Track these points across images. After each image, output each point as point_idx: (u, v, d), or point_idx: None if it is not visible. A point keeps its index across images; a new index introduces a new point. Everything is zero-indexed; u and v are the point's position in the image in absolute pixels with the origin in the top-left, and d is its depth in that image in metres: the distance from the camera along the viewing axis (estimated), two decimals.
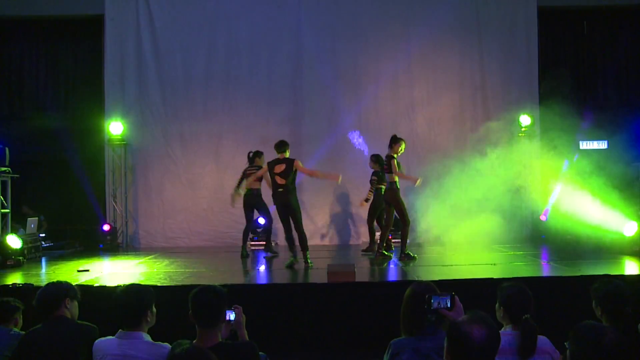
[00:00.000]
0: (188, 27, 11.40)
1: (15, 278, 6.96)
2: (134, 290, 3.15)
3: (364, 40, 11.37)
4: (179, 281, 6.59)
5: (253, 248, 10.48)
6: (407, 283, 3.95)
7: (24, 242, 8.60)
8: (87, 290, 5.38)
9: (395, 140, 8.08)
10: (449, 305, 2.62)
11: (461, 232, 10.54)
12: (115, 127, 10.99)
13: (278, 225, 11.24)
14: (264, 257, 8.92)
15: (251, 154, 9.06)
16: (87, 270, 7.34)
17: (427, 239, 9.42)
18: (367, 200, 9.22)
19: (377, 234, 9.01)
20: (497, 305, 3.23)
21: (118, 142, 11.17)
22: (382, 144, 11.35)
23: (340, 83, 11.33)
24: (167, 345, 3.05)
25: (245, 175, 8.92)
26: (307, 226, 9.23)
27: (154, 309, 3.18)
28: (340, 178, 7.84)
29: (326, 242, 11.24)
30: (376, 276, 7.13)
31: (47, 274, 7.75)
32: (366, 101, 11.41)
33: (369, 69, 11.40)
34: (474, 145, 10.47)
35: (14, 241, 8.23)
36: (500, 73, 11.47)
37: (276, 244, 10.94)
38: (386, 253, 8.31)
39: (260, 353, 3.00)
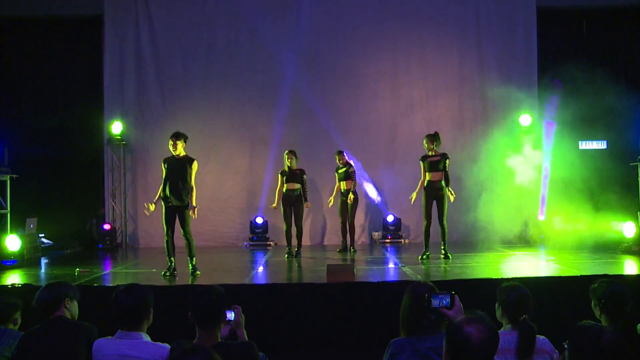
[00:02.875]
0: (187, 27, 11.38)
1: (14, 278, 6.97)
2: (134, 290, 3.15)
3: (363, 40, 11.36)
4: (179, 281, 6.59)
5: (253, 248, 10.48)
6: (406, 283, 3.95)
7: (23, 242, 8.58)
8: (87, 290, 5.38)
9: None
10: (448, 304, 2.63)
11: (460, 231, 10.57)
12: (115, 127, 11.00)
13: (277, 225, 11.33)
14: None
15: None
16: (87, 271, 7.34)
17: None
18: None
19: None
20: (496, 305, 3.24)
21: (117, 142, 11.17)
22: (381, 143, 11.43)
23: (340, 83, 11.32)
24: (167, 345, 3.05)
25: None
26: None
27: (152, 309, 3.19)
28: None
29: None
30: (376, 276, 7.13)
31: (47, 274, 7.75)
32: (366, 101, 11.42)
33: (369, 69, 11.39)
34: (473, 145, 10.47)
35: (13, 241, 8.22)
36: (499, 73, 11.44)
37: (275, 244, 10.94)
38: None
39: (259, 353, 3.00)
